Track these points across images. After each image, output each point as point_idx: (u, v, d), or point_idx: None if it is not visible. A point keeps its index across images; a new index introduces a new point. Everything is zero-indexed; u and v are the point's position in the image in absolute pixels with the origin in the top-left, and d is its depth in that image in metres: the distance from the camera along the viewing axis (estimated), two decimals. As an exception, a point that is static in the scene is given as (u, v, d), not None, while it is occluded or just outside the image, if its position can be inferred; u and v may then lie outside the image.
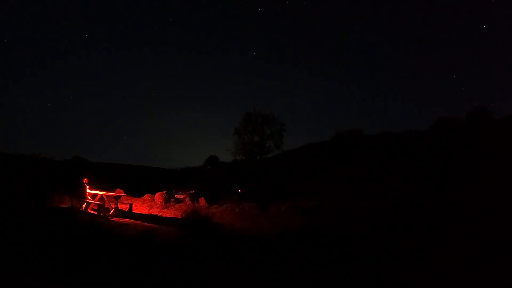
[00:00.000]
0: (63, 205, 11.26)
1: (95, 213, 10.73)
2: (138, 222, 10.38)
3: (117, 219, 10.76)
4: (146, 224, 9.92)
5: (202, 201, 15.49)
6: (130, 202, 13.12)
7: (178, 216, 11.38)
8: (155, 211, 13.83)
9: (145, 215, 12.30)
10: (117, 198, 11.91)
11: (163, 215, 12.98)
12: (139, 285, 4.22)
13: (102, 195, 11.33)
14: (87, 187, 11.69)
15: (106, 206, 11.20)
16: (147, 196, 16.31)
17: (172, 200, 15.86)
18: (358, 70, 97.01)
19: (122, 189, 16.06)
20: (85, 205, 11.63)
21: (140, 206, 14.67)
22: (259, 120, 48.67)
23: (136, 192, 17.61)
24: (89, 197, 11.49)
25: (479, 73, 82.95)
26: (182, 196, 16.30)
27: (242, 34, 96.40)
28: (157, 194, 15.88)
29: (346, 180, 32.15)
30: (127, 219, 10.76)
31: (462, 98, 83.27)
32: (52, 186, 11.53)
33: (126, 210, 11.93)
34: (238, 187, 36.00)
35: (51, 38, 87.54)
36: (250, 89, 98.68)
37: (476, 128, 35.41)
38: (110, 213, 11.14)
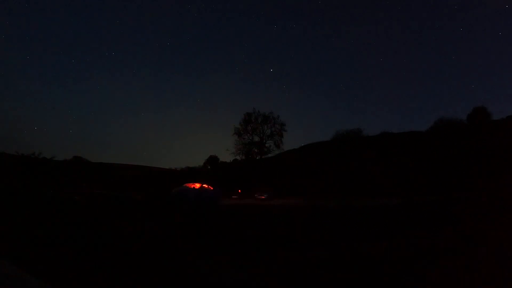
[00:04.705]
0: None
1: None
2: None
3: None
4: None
5: None
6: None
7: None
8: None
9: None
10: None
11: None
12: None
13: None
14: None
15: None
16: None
17: None
18: (358, 70, 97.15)
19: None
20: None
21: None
22: (259, 120, 48.65)
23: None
24: None
25: (479, 73, 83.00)
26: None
27: (243, 34, 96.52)
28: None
29: (346, 179, 32.14)
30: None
31: (462, 98, 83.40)
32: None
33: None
34: (238, 187, 36.01)
35: (52, 40, 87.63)
36: (250, 89, 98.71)
37: (476, 128, 35.43)
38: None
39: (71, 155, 54.44)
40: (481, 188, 20.25)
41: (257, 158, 48.09)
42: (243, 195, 32.51)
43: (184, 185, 20.67)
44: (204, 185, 20.06)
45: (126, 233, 8.44)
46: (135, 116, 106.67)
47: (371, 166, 32.95)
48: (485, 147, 28.36)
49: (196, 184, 20.29)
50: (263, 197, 30.10)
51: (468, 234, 8.03)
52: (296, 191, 33.73)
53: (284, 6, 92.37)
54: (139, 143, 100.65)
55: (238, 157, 48.99)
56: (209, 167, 54.29)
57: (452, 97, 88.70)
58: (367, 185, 29.97)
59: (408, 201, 18.61)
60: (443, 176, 27.22)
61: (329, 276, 4.80)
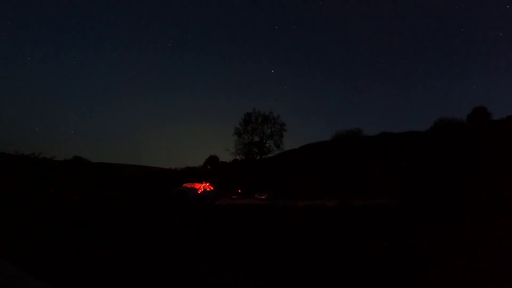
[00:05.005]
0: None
1: None
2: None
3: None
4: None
5: None
6: None
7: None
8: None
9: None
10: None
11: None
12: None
13: None
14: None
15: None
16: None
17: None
18: (358, 70, 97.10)
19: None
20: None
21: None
22: (259, 120, 48.59)
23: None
24: None
25: (479, 73, 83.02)
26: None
27: (243, 34, 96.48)
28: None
29: (346, 179, 32.16)
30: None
31: (462, 98, 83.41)
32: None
33: None
34: (238, 187, 36.01)
35: (52, 40, 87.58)
36: (250, 89, 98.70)
37: (476, 128, 35.42)
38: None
39: (71, 155, 54.45)
40: (481, 188, 20.25)
41: (257, 158, 48.06)
42: (243, 195, 32.52)
43: (183, 185, 20.69)
44: (204, 185, 20.07)
45: (126, 233, 8.44)
46: (135, 116, 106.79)
47: (371, 166, 32.97)
48: (485, 147, 28.35)
49: (196, 184, 20.33)
50: (263, 197, 30.17)
51: (468, 234, 8.04)
52: (296, 191, 33.74)
53: (284, 7, 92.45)
54: (139, 143, 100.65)
55: (238, 157, 48.98)
56: (209, 167, 54.24)
57: (452, 97, 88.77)
58: (367, 185, 29.97)
59: (408, 201, 18.61)
60: (443, 176, 27.21)
61: (329, 276, 4.80)
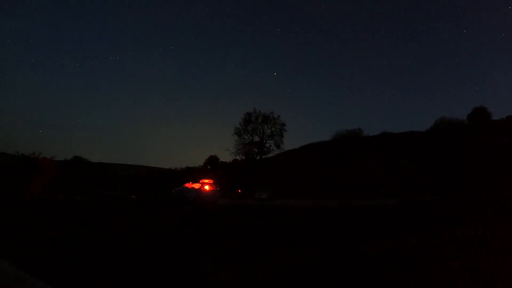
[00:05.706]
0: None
1: None
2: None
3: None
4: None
5: None
6: None
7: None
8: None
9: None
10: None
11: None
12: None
13: None
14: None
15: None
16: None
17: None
18: (359, 70, 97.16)
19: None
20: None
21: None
22: (259, 120, 48.53)
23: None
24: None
25: (479, 73, 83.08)
26: None
27: (244, 36, 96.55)
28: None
29: (346, 179, 32.13)
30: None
31: (462, 98, 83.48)
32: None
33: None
34: (238, 187, 35.94)
35: (54, 42, 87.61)
36: (251, 89, 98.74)
37: (476, 128, 35.36)
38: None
39: (71, 155, 54.45)
40: (481, 188, 20.25)
41: (257, 158, 48.04)
42: (243, 195, 32.50)
43: (184, 185, 20.69)
44: (205, 185, 20.05)
45: (126, 233, 8.43)
46: (135, 117, 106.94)
47: (371, 166, 32.93)
48: (485, 147, 28.31)
49: (196, 184, 20.32)
50: (263, 197, 30.14)
51: (468, 234, 8.03)
52: (296, 191, 33.74)
53: (285, 9, 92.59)
54: (139, 143, 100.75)
55: (238, 157, 48.94)
56: (209, 167, 54.19)
57: (452, 97, 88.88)
58: (367, 185, 29.97)
59: (408, 201, 18.63)
60: (443, 176, 27.21)
61: (329, 276, 4.80)
